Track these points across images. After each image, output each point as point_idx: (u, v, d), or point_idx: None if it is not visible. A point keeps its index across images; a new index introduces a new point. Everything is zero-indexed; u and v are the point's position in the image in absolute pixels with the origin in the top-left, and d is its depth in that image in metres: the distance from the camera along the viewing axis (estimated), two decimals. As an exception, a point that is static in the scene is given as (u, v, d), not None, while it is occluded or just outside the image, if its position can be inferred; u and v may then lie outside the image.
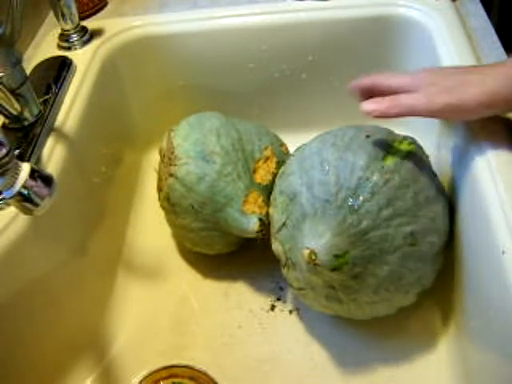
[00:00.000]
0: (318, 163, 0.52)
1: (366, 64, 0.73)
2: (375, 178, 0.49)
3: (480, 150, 0.49)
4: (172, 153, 0.60)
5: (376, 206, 0.48)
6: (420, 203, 0.50)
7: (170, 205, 0.61)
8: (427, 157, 0.55)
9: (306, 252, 0.48)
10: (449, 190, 0.55)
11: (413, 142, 0.54)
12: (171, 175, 0.59)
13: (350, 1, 0.70)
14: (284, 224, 0.53)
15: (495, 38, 0.63)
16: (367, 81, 0.52)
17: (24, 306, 0.51)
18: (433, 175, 0.53)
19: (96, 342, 0.60)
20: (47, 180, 0.44)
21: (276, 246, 0.55)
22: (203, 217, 0.59)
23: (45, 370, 0.55)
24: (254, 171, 0.60)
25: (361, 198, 0.48)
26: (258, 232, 0.56)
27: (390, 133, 0.55)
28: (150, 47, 0.73)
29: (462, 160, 0.53)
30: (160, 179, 0.63)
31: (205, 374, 0.56)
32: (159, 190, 0.63)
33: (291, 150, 0.66)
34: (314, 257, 0.47)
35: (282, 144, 0.66)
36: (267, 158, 0.61)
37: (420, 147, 0.55)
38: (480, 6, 0.68)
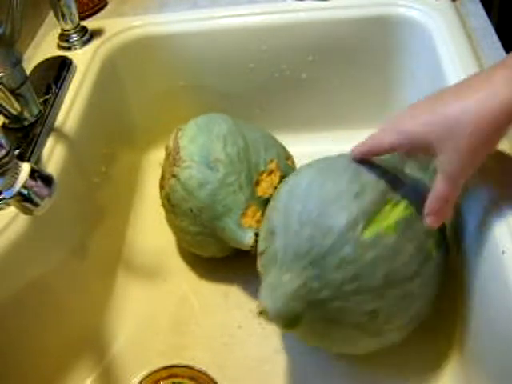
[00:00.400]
0: (299, 209, 0.48)
1: (365, 64, 0.73)
2: (347, 249, 0.45)
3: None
4: (177, 153, 0.60)
5: (340, 279, 0.45)
6: (391, 282, 0.45)
7: (170, 205, 0.61)
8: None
9: (259, 307, 0.46)
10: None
11: (412, 202, 0.48)
12: (174, 176, 0.59)
13: (350, 1, 0.70)
14: (264, 251, 0.51)
15: (495, 37, 0.63)
16: (360, 151, 0.50)
17: (24, 306, 0.51)
18: (423, 239, 0.47)
19: (96, 341, 0.60)
20: (47, 180, 0.44)
21: (259, 266, 0.53)
22: (201, 222, 0.59)
23: (45, 370, 0.55)
24: (257, 183, 0.59)
25: (327, 265, 0.45)
26: (252, 247, 0.56)
27: (387, 191, 0.47)
28: (150, 47, 0.73)
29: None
30: (163, 177, 0.63)
31: (205, 373, 0.56)
32: (161, 187, 0.63)
33: (291, 149, 0.66)
34: (265, 314, 0.46)
35: (289, 157, 0.64)
36: (271, 172, 0.60)
37: (420, 207, 0.46)
38: (480, 6, 0.68)
